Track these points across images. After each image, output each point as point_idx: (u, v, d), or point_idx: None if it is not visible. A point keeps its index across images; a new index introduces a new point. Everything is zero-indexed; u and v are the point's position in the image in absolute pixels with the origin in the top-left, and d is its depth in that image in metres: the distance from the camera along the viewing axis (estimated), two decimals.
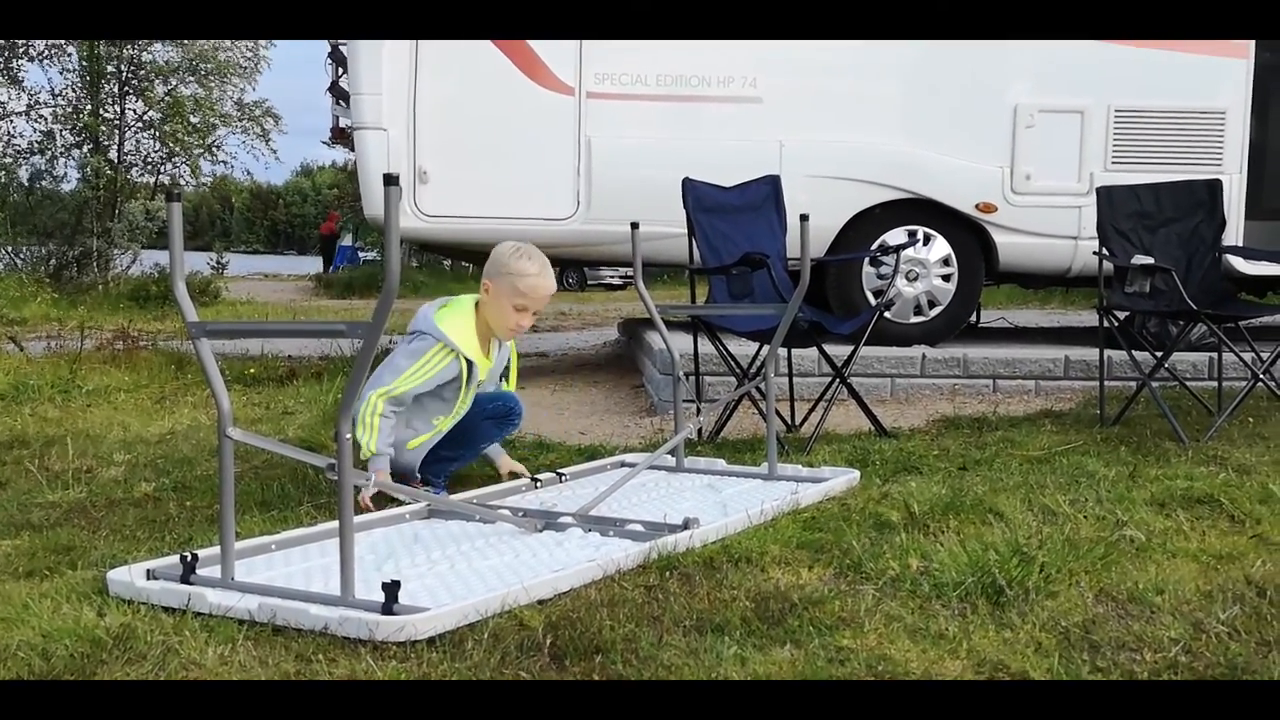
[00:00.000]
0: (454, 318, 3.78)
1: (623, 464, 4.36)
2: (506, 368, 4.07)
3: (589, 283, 23.69)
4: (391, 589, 2.49)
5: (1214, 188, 5.31)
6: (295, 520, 3.49)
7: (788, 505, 3.57)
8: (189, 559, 2.76)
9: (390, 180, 2.41)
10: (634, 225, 4.43)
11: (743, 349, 5.27)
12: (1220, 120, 6.47)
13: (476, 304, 3.83)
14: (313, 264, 34.40)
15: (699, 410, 4.65)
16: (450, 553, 3.09)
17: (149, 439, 4.96)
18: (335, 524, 2.95)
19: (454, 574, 2.89)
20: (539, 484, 3.94)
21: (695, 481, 4.09)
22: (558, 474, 4.06)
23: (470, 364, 3.75)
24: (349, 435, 2.58)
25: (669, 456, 4.26)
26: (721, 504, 3.67)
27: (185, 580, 2.72)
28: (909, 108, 6.53)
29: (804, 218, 4.11)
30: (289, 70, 21.41)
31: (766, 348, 5.13)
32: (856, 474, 4.01)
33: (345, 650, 2.34)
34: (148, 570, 2.79)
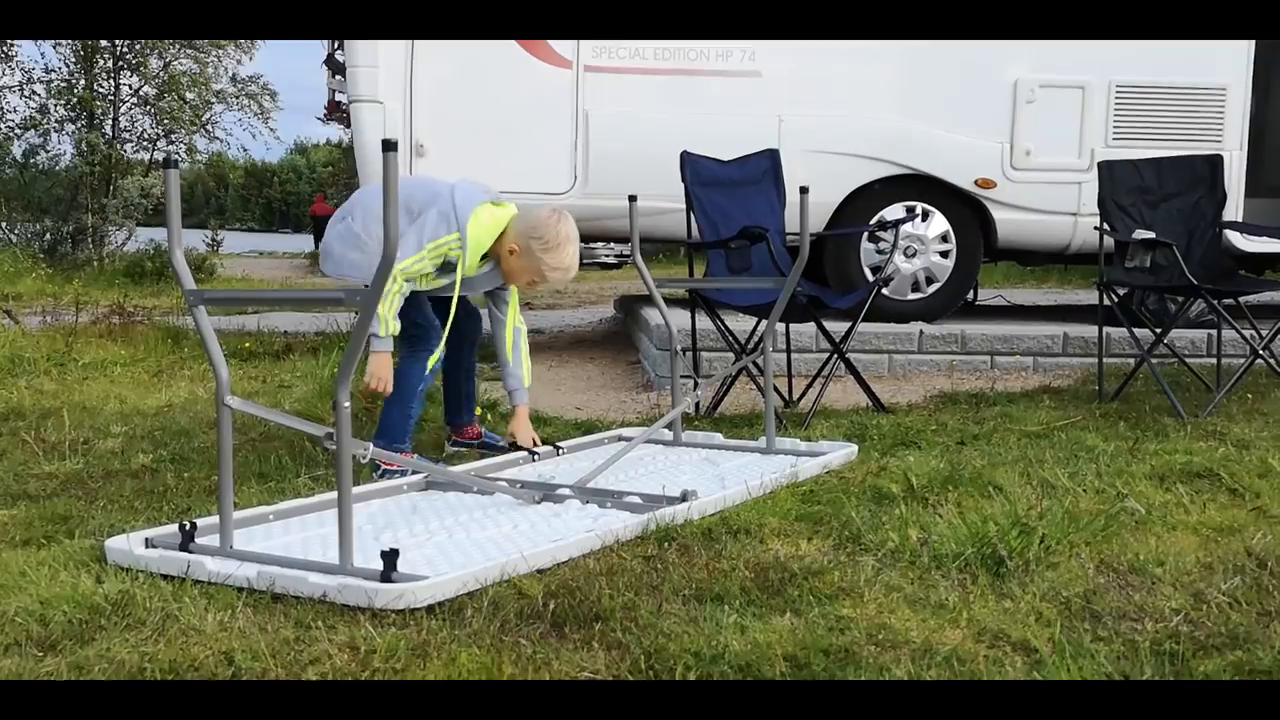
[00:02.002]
0: (487, 225, 3.71)
1: (620, 438, 4.35)
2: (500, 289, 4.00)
3: (585, 261, 23.61)
4: (390, 557, 2.48)
5: (1215, 163, 5.29)
6: (292, 491, 3.48)
7: (786, 478, 3.57)
8: (187, 527, 2.75)
9: (389, 146, 2.38)
10: (631, 198, 4.40)
11: (740, 324, 5.26)
12: (1221, 96, 6.45)
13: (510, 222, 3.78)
14: (307, 242, 34.32)
15: (696, 385, 4.64)
16: (449, 523, 3.09)
17: (146, 411, 4.95)
18: (333, 495, 2.95)
19: (452, 544, 2.88)
20: (537, 457, 3.94)
21: (693, 455, 4.08)
22: (555, 447, 4.05)
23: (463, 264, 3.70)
24: (346, 404, 2.56)
25: (666, 430, 4.25)
26: (719, 477, 3.66)
27: (184, 548, 2.71)
28: (908, 83, 6.49)
29: (804, 190, 4.09)
30: (283, 47, 21.31)
31: (764, 323, 5.12)
32: (854, 448, 4.00)
33: (344, 618, 2.33)
34: (146, 539, 2.78)
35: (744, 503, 3.30)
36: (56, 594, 2.42)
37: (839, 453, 3.92)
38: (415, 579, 2.45)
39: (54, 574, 2.58)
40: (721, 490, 3.36)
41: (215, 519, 2.79)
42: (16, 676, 2.06)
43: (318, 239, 31.16)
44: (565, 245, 3.71)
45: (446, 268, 3.71)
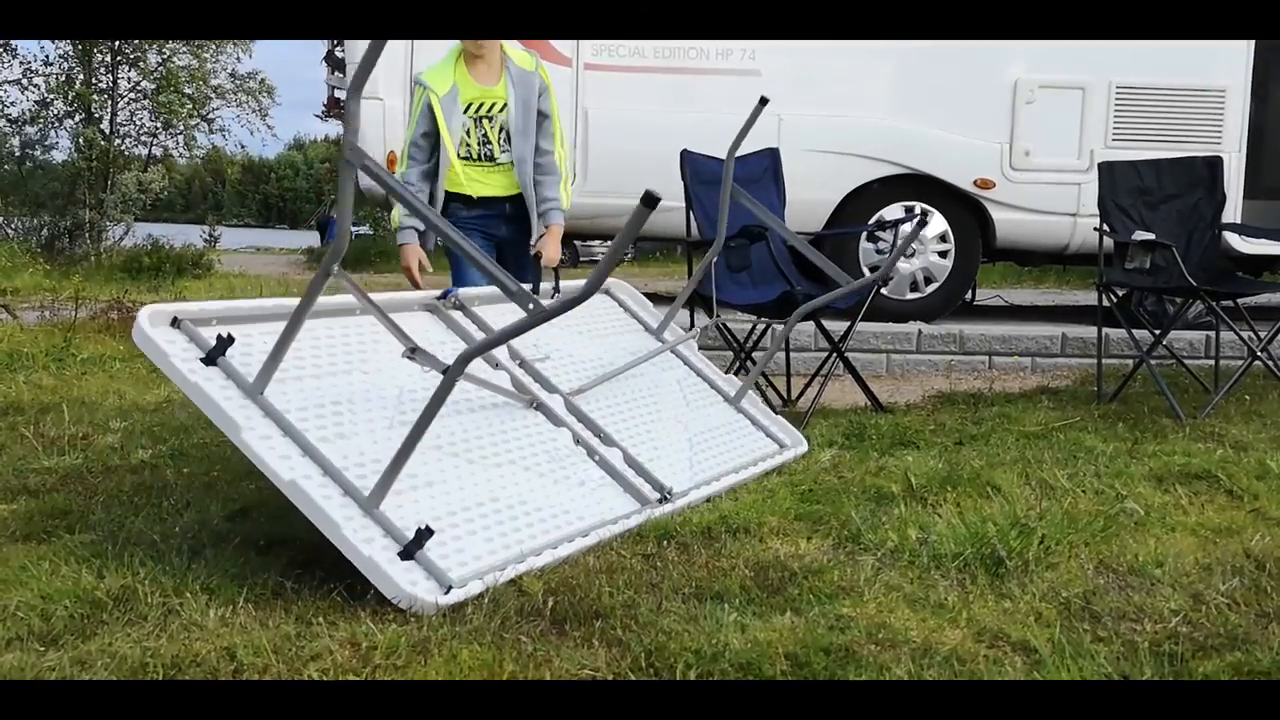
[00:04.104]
0: (434, 60, 4.03)
1: (608, 292, 4.28)
2: (542, 111, 4.07)
3: (581, 259, 23.60)
4: (421, 536, 2.45)
5: (1214, 164, 5.30)
6: None
7: (754, 472, 3.63)
8: (225, 338, 2.68)
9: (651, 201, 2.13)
10: (763, 100, 4.43)
11: (738, 325, 5.26)
12: (1220, 98, 6.46)
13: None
14: (305, 238, 34.44)
15: (692, 325, 4.56)
16: (450, 426, 2.97)
17: (145, 407, 4.94)
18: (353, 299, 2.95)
19: (455, 479, 2.80)
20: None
21: (669, 375, 4.00)
22: (554, 288, 3.96)
23: (434, 93, 3.95)
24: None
25: (654, 316, 4.21)
26: (688, 438, 3.65)
27: (211, 360, 2.65)
28: (907, 83, 6.50)
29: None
30: (282, 43, 21.28)
31: (764, 321, 5.12)
32: (805, 445, 4.02)
33: (345, 614, 2.33)
34: (174, 316, 2.69)
35: (743, 501, 3.30)
36: (58, 589, 2.42)
37: (790, 452, 3.93)
38: (430, 565, 2.44)
39: (55, 569, 2.58)
40: (688, 459, 3.47)
41: (251, 335, 2.76)
42: (19, 671, 2.06)
43: (322, 239, 31.38)
44: None
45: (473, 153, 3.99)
